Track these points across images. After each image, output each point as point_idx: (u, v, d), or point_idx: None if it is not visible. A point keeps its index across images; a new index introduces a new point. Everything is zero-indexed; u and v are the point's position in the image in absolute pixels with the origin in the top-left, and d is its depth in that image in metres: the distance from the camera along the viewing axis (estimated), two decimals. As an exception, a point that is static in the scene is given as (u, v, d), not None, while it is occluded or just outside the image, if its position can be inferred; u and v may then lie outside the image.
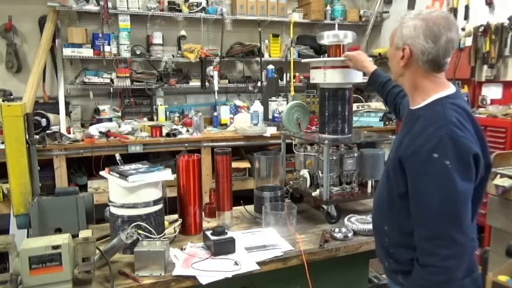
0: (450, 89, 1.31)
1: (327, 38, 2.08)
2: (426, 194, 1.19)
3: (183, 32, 4.47)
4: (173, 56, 4.49)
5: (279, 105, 4.14)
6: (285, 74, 4.83)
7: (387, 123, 4.48)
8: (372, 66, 1.93)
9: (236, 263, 1.56)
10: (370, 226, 1.82)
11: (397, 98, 1.79)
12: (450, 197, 1.16)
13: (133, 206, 1.67)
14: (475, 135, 1.22)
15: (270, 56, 4.89)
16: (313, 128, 2.36)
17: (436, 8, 3.95)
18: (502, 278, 1.93)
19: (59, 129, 3.68)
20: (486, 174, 1.28)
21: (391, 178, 1.32)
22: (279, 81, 4.71)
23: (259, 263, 1.58)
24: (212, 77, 4.47)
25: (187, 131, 3.95)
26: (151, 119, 4.43)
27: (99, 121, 4.09)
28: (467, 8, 4.03)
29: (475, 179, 1.21)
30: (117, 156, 2.46)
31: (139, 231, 1.59)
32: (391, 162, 1.33)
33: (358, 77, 2.06)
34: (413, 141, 1.23)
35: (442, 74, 1.32)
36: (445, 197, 1.17)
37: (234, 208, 2.04)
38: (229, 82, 4.74)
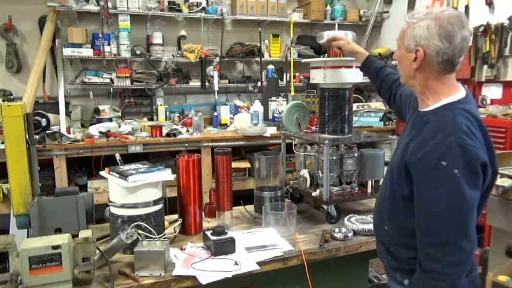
0: (461, 92, 1.28)
1: (327, 38, 2.08)
2: (433, 201, 1.18)
3: (183, 32, 4.47)
4: (173, 56, 4.49)
5: (279, 105, 4.14)
6: (285, 74, 4.83)
7: (387, 123, 4.48)
8: (364, 51, 1.87)
9: (236, 263, 1.56)
10: (370, 226, 1.82)
11: (392, 87, 1.74)
12: (457, 205, 1.16)
13: (133, 206, 1.67)
14: (484, 143, 1.21)
15: (270, 56, 4.89)
16: (313, 128, 2.36)
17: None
18: (502, 278, 1.92)
19: (59, 129, 3.68)
20: (492, 182, 1.27)
21: (395, 180, 1.32)
22: (279, 81, 4.71)
23: (259, 263, 1.58)
24: (212, 77, 4.47)
25: (187, 131, 3.95)
26: (151, 119, 4.43)
27: (99, 121, 4.09)
28: (467, 8, 4.03)
29: (481, 187, 1.20)
30: (117, 156, 2.46)
31: (139, 231, 1.59)
32: (397, 164, 1.32)
33: (358, 77, 2.06)
34: (421, 147, 1.21)
35: (453, 75, 1.29)
36: (452, 205, 1.16)
37: (234, 208, 2.04)
38: (229, 82, 4.74)
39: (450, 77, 1.28)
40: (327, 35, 2.07)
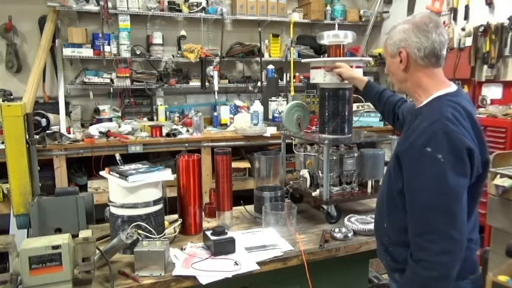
0: (451, 87, 1.32)
1: (327, 38, 2.08)
2: (418, 187, 1.20)
3: (183, 32, 4.47)
4: (173, 56, 4.49)
5: (279, 105, 4.14)
6: (285, 74, 4.83)
7: (387, 123, 4.47)
8: (363, 78, 1.93)
9: (236, 263, 1.56)
10: (370, 226, 1.82)
11: (395, 108, 1.80)
12: (442, 191, 1.16)
13: (133, 206, 1.67)
14: (473, 133, 1.22)
15: (270, 56, 4.89)
16: (313, 128, 2.37)
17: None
18: (502, 278, 1.92)
19: (59, 129, 3.68)
20: (484, 171, 1.28)
21: (392, 176, 1.34)
22: (279, 81, 4.71)
23: (259, 263, 1.58)
24: (212, 77, 4.47)
25: (187, 131, 3.95)
26: (151, 119, 4.43)
27: (99, 121, 4.10)
28: (467, 8, 4.03)
29: (470, 175, 1.20)
30: (117, 156, 2.46)
31: (139, 231, 1.59)
32: (391, 159, 1.35)
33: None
34: (409, 137, 1.25)
35: (441, 70, 1.33)
36: (437, 191, 1.17)
37: (234, 208, 2.04)
38: (229, 82, 4.74)
39: (437, 71, 1.32)
40: (327, 35, 2.08)
